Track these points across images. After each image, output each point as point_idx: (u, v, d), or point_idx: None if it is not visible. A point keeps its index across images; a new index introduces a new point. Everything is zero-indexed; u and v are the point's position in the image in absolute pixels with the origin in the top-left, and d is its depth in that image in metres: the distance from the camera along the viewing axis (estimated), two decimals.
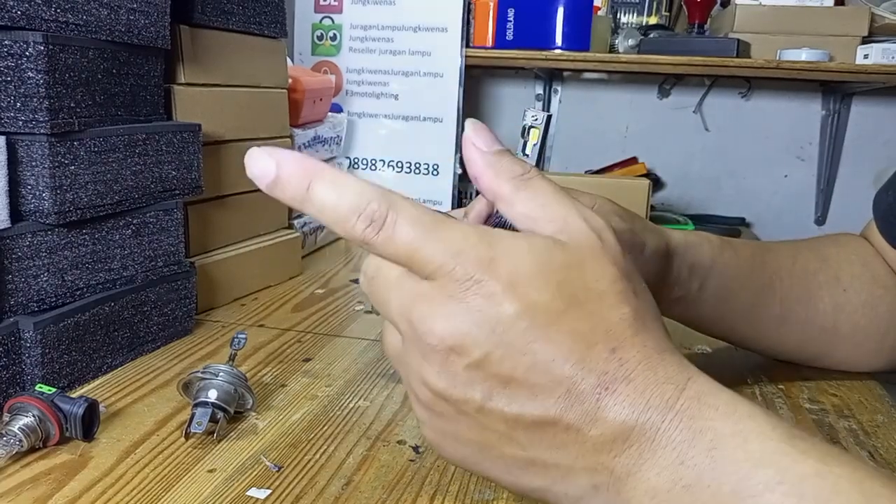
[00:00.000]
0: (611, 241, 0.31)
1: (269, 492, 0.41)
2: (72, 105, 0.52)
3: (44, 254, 0.52)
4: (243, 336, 0.52)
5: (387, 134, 1.20)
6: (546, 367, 0.29)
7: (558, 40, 1.27)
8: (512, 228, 0.45)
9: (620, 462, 0.29)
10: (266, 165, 0.31)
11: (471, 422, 0.30)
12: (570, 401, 0.29)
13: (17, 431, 0.43)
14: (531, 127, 0.44)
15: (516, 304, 0.29)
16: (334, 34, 1.21)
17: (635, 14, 1.50)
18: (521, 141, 0.45)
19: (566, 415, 0.29)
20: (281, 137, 0.86)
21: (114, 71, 0.57)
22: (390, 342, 0.33)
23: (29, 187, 0.51)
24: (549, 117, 0.44)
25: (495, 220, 0.47)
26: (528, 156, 0.45)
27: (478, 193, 0.48)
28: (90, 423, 0.46)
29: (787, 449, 0.27)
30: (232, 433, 0.48)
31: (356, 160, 1.21)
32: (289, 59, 0.90)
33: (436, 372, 0.30)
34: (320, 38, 1.22)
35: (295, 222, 0.93)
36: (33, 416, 0.44)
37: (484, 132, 0.33)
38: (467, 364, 0.29)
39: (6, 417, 0.44)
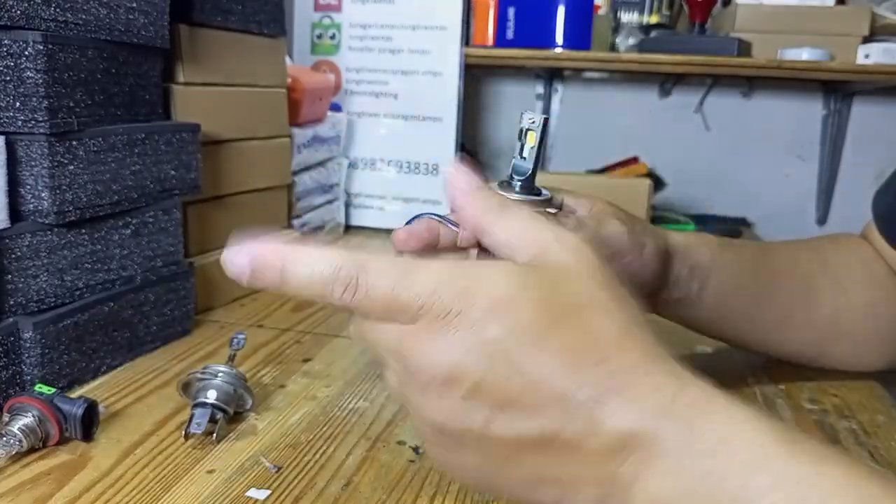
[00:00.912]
0: (587, 255, 0.32)
1: (268, 492, 0.41)
2: (71, 105, 0.52)
3: (43, 254, 0.52)
4: (242, 336, 0.52)
5: (386, 133, 1.20)
6: (538, 385, 0.29)
7: (559, 39, 1.27)
8: None
9: (625, 470, 0.29)
10: (241, 262, 0.32)
11: (474, 450, 0.30)
12: (567, 415, 0.29)
13: (17, 432, 0.43)
14: (528, 129, 0.44)
15: (500, 327, 0.29)
16: (333, 33, 1.21)
17: (636, 13, 1.50)
18: (519, 144, 0.44)
19: (565, 430, 0.29)
20: (280, 137, 0.86)
21: (113, 70, 0.57)
22: (390, 380, 0.33)
23: (28, 187, 0.51)
24: (546, 119, 0.43)
25: None
26: (525, 159, 0.44)
27: None
28: (90, 423, 0.46)
29: (782, 452, 0.27)
30: (231, 434, 0.48)
31: (356, 160, 1.21)
32: (288, 58, 0.90)
33: (433, 407, 0.30)
34: (319, 36, 1.21)
35: (294, 223, 0.93)
36: (33, 416, 0.44)
37: (464, 172, 0.35)
38: (463, 394, 0.29)
39: (6, 418, 0.44)
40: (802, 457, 0.27)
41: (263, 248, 0.32)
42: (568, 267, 0.31)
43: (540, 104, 1.65)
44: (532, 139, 0.44)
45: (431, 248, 0.51)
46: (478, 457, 0.31)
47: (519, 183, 0.45)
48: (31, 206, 0.51)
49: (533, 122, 0.43)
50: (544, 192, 0.46)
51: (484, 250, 0.48)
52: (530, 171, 0.44)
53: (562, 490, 0.30)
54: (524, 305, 0.30)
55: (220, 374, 0.48)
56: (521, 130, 0.44)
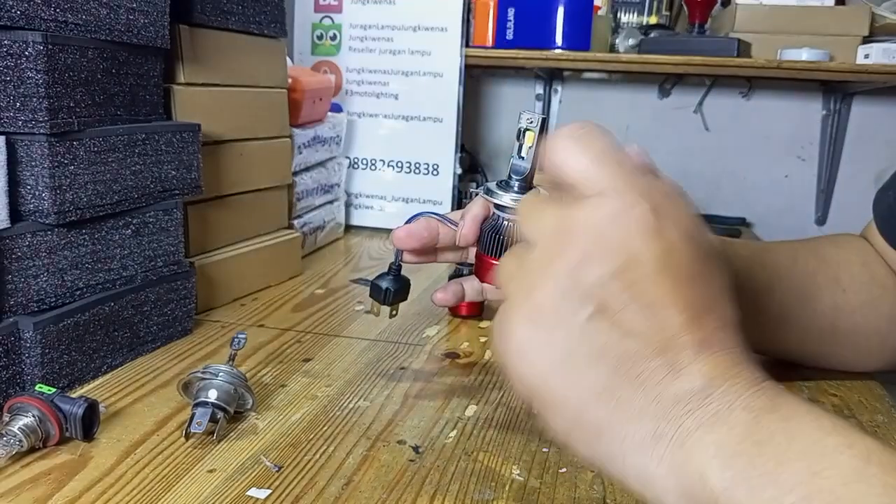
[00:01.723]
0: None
1: (269, 492, 0.41)
2: (71, 105, 0.52)
3: (43, 254, 0.52)
4: (243, 336, 0.52)
5: (387, 134, 1.20)
6: (663, 308, 0.31)
7: (558, 40, 1.27)
8: (508, 232, 0.46)
9: (693, 416, 0.30)
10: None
11: (570, 332, 0.31)
12: (669, 346, 0.31)
13: (17, 431, 0.43)
14: (526, 130, 0.44)
15: (665, 246, 0.32)
16: (334, 34, 1.21)
17: (636, 14, 1.50)
18: (517, 144, 0.44)
19: (657, 358, 0.31)
20: (281, 137, 0.86)
21: (113, 71, 0.57)
22: (510, 262, 0.35)
23: (28, 187, 0.51)
24: (544, 120, 0.44)
25: (492, 221, 0.47)
26: (523, 158, 0.45)
27: (477, 195, 0.48)
28: (90, 423, 0.46)
29: (856, 429, 0.28)
30: (232, 433, 0.48)
31: (356, 160, 1.21)
32: (288, 59, 0.90)
33: (562, 275, 0.32)
34: (320, 37, 1.21)
35: (295, 222, 0.93)
36: (33, 416, 0.44)
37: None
38: (596, 277, 0.31)
39: (6, 417, 0.44)
40: (873, 437, 0.28)
41: None
42: (717, 249, 0.34)
43: (539, 104, 1.65)
44: (530, 139, 0.44)
45: (431, 247, 0.52)
46: (570, 338, 0.32)
47: (517, 183, 0.45)
48: (32, 206, 0.51)
49: (531, 123, 0.44)
50: (542, 192, 0.47)
51: (481, 251, 0.48)
52: (528, 171, 0.45)
53: (618, 414, 0.31)
54: (695, 247, 0.32)
55: (220, 374, 0.48)
56: (520, 130, 0.44)
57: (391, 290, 0.53)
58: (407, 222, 0.51)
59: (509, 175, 0.45)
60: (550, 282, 0.32)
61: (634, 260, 0.31)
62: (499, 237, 0.46)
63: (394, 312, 0.54)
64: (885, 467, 0.26)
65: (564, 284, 0.32)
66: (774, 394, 0.30)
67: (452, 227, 0.50)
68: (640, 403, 0.31)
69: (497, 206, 0.46)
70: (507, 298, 0.34)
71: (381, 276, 0.53)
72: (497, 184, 0.46)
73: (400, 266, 0.53)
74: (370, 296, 0.54)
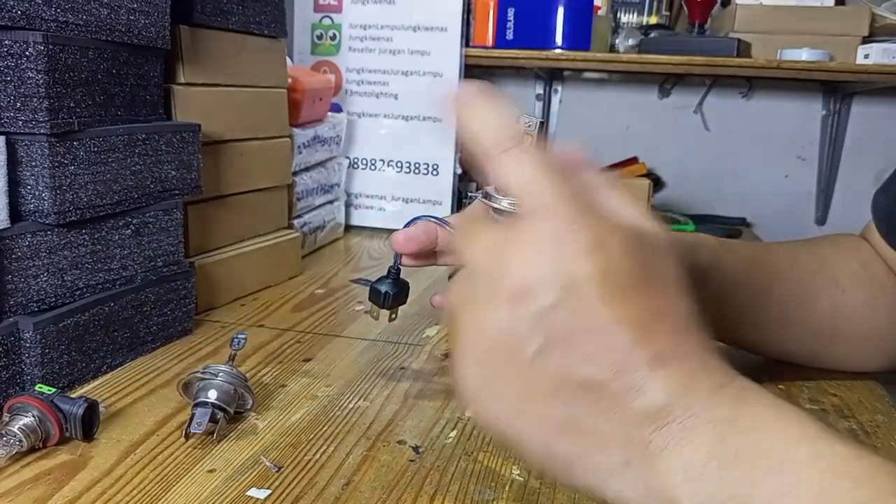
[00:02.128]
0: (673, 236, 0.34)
1: (269, 492, 0.41)
2: (72, 105, 0.53)
3: (43, 254, 0.52)
4: (243, 336, 0.52)
5: (387, 134, 1.20)
6: (609, 329, 0.30)
7: (558, 40, 1.27)
8: None
9: (658, 436, 0.29)
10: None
11: (520, 371, 0.30)
12: (622, 368, 0.29)
13: (17, 431, 0.43)
14: (524, 133, 0.44)
15: (602, 263, 0.30)
16: (334, 34, 1.21)
17: (636, 14, 1.50)
18: None
19: (614, 382, 0.29)
20: (281, 137, 0.86)
21: (114, 71, 0.57)
22: (459, 289, 0.33)
23: (28, 187, 0.51)
24: (542, 123, 0.44)
25: None
26: None
27: (484, 196, 0.48)
28: (90, 423, 0.46)
29: (825, 435, 0.28)
30: (232, 433, 0.48)
31: (356, 160, 1.21)
32: (288, 59, 0.90)
33: (502, 312, 0.30)
34: (320, 37, 1.21)
35: (295, 222, 0.93)
36: (33, 416, 0.44)
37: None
38: (535, 310, 0.30)
39: (6, 417, 0.44)
40: (844, 441, 0.28)
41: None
42: (667, 246, 0.33)
43: (540, 105, 1.65)
44: (529, 142, 0.44)
45: (429, 251, 0.52)
46: (520, 381, 0.31)
47: None
48: (32, 206, 0.51)
49: (529, 126, 0.44)
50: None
51: None
52: None
53: (584, 445, 0.30)
54: (631, 255, 0.31)
55: (220, 374, 0.48)
56: None
57: (390, 293, 0.53)
58: (406, 226, 0.51)
59: None
60: (493, 319, 0.31)
61: (573, 284, 0.30)
62: None
63: (393, 316, 0.54)
64: (855, 480, 0.26)
65: (507, 320, 0.30)
66: (737, 399, 0.29)
67: (451, 230, 0.50)
68: (605, 430, 0.30)
69: (495, 210, 0.46)
70: (457, 333, 0.33)
71: (380, 280, 0.53)
72: (494, 188, 0.46)
73: (399, 270, 0.53)
74: (369, 299, 0.54)
